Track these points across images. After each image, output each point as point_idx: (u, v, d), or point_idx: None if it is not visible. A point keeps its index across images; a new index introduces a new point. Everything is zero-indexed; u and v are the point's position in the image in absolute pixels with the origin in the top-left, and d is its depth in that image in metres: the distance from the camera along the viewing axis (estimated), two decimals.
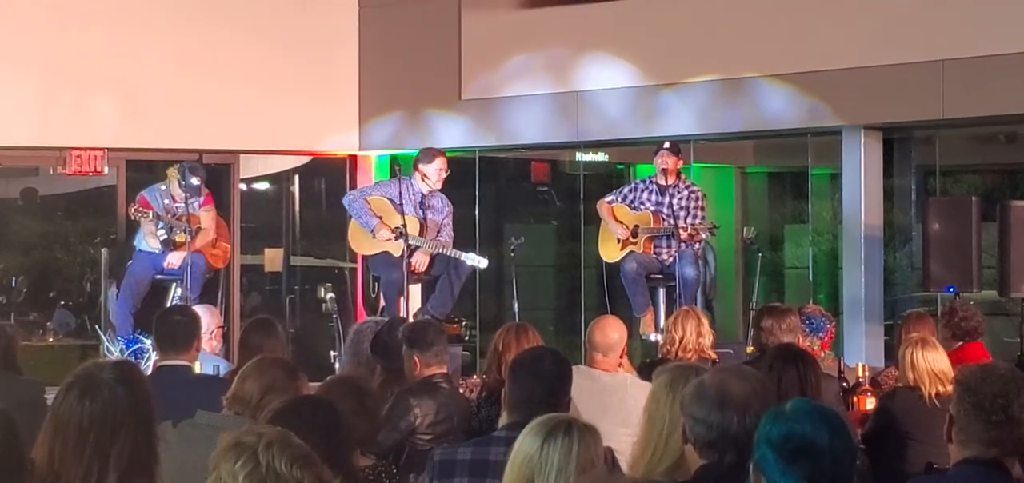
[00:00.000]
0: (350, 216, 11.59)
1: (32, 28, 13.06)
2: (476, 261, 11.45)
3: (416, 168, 11.45)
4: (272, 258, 15.13)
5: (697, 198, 11.43)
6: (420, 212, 11.39)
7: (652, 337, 11.32)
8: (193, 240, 11.64)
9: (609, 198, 11.78)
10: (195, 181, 11.79)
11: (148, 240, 11.85)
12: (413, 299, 11.53)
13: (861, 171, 11.82)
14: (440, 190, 11.52)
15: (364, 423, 5.23)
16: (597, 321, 7.56)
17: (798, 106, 11.90)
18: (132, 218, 11.95)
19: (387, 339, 7.55)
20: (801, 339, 8.28)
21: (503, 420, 5.40)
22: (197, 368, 7.18)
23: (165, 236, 11.76)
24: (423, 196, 11.44)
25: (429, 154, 11.57)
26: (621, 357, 7.40)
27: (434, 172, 11.42)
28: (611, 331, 7.38)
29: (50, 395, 4.36)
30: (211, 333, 8.65)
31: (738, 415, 4.15)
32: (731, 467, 4.13)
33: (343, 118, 14.19)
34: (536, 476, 4.15)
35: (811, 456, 3.53)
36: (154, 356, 8.18)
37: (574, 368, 5.74)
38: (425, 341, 7.16)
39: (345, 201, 11.73)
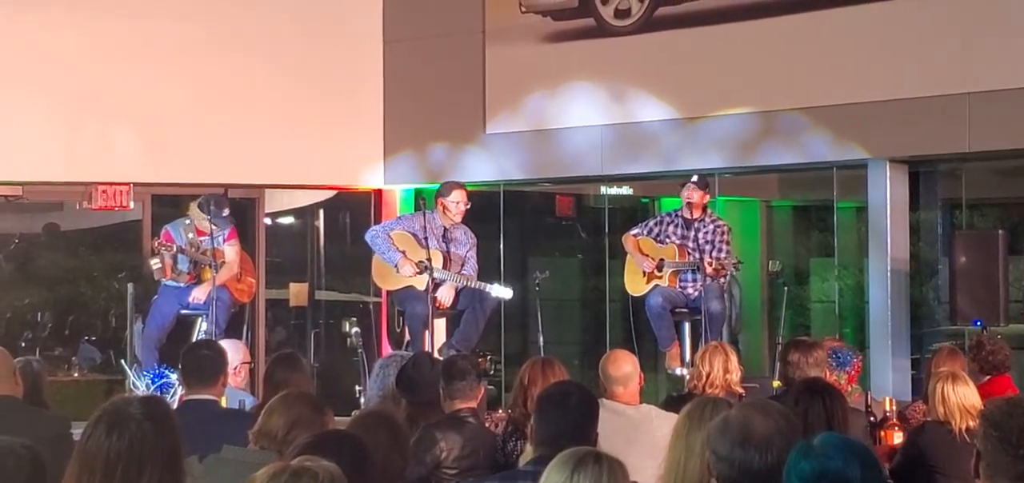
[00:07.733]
0: (373, 252, 11.59)
1: (58, 64, 13.10)
2: (501, 292, 11.45)
3: (437, 201, 11.47)
4: (297, 292, 15.12)
5: (722, 232, 11.41)
6: (443, 245, 11.38)
7: (678, 371, 11.29)
8: (216, 274, 11.66)
9: (635, 231, 11.76)
10: (224, 213, 11.85)
11: (164, 273, 11.89)
12: (438, 333, 11.52)
13: (887, 204, 11.79)
14: (463, 223, 11.52)
15: (398, 458, 5.22)
16: (608, 356, 7.52)
17: (824, 139, 11.88)
18: (155, 253, 11.97)
19: (412, 373, 7.53)
20: (828, 373, 8.24)
21: (528, 454, 5.38)
22: (223, 402, 7.19)
23: (173, 281, 11.81)
24: (446, 229, 11.44)
25: (448, 187, 11.57)
26: (641, 385, 7.41)
27: (454, 204, 11.42)
28: (624, 363, 7.37)
29: (76, 430, 4.36)
30: (236, 368, 8.65)
31: (760, 453, 4.12)
32: None
33: (368, 152, 14.20)
34: None
35: None
36: (180, 391, 8.17)
37: (599, 402, 5.72)
38: (451, 375, 7.17)
39: (367, 237, 11.70)
